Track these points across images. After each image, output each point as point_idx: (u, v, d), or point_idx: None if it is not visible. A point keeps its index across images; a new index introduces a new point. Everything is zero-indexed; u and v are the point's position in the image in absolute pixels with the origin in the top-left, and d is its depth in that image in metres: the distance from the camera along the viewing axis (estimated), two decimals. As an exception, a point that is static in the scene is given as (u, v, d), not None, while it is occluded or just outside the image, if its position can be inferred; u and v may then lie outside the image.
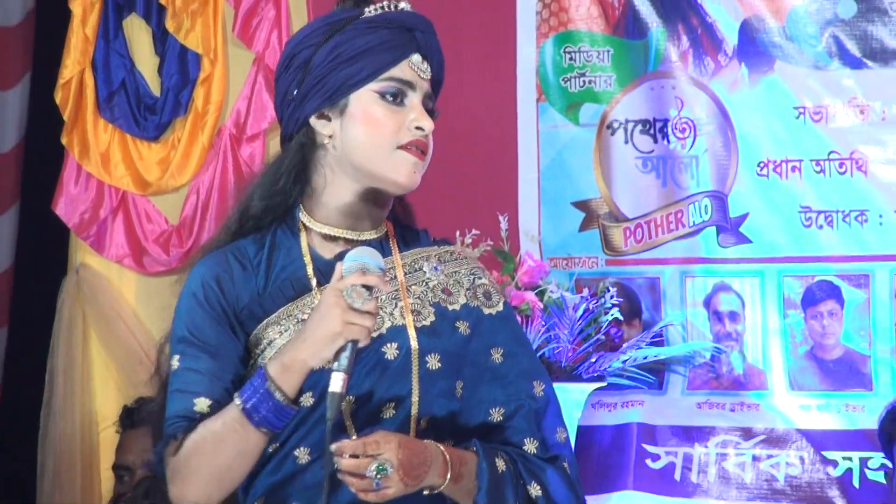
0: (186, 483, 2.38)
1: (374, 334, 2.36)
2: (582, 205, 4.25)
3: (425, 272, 2.48)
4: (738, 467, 4.08)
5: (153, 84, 4.64)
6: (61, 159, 4.69)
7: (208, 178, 4.53)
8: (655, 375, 4.12)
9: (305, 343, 2.28)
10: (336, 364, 2.27)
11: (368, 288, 2.28)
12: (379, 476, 2.26)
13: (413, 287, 2.46)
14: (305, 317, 2.39)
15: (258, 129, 4.48)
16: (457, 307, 2.47)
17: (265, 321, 2.38)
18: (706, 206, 4.13)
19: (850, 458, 4.00)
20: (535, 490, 2.42)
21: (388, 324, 2.40)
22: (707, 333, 4.15)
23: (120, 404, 4.35)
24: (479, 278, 2.52)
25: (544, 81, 4.24)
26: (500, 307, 2.51)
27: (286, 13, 4.42)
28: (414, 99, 2.43)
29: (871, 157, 3.99)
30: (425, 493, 2.33)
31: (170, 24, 4.55)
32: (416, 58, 2.44)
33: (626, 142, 4.21)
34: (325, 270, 2.40)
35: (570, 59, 4.24)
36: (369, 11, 2.45)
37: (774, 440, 4.06)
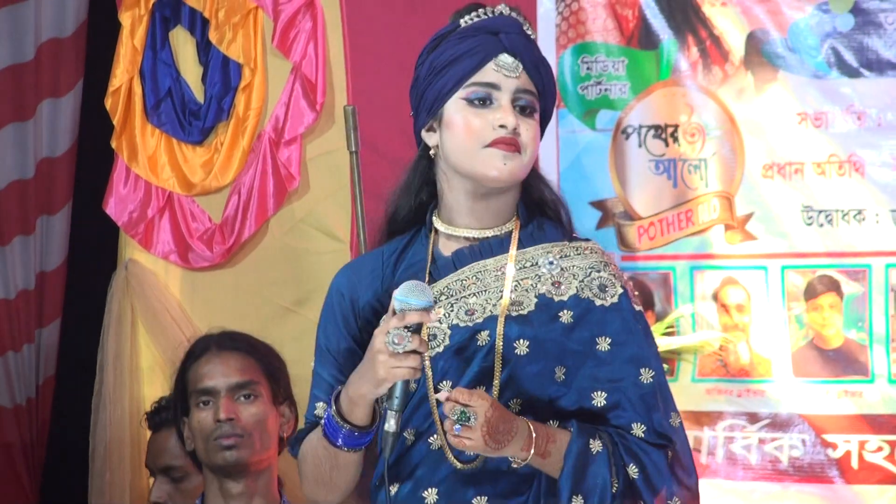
0: (303, 483, 2.56)
1: (471, 323, 2.48)
2: (598, 204, 4.34)
3: (539, 266, 2.53)
4: (744, 449, 4.17)
5: (197, 91, 4.69)
6: (111, 162, 4.75)
7: (249, 179, 4.58)
8: (667, 363, 4.17)
9: (363, 380, 2.40)
10: (388, 403, 2.37)
11: (414, 327, 2.36)
12: (459, 421, 2.34)
13: (522, 280, 2.52)
14: None
15: (295, 134, 4.51)
16: (564, 298, 2.49)
17: (384, 316, 2.45)
18: (714, 205, 4.22)
19: (849, 441, 4.07)
20: (633, 472, 2.43)
21: (486, 314, 2.49)
22: (715, 324, 4.22)
23: (166, 391, 4.32)
24: (598, 272, 2.52)
25: (563, 89, 4.31)
26: (615, 299, 2.50)
27: (322, 26, 4.46)
28: (502, 99, 2.50)
29: (868, 160, 4.08)
30: (514, 465, 2.41)
31: (213, 36, 4.62)
32: (504, 58, 2.51)
33: (640, 145, 4.29)
34: (441, 267, 2.54)
35: (588, 68, 4.33)
36: (465, 21, 2.55)
37: (778, 424, 4.14)
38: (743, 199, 4.19)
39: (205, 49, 4.68)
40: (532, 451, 2.40)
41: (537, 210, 2.59)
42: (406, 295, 2.38)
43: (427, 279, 2.54)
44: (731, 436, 4.19)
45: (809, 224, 4.13)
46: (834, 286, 4.12)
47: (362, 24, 4.46)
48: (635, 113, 4.30)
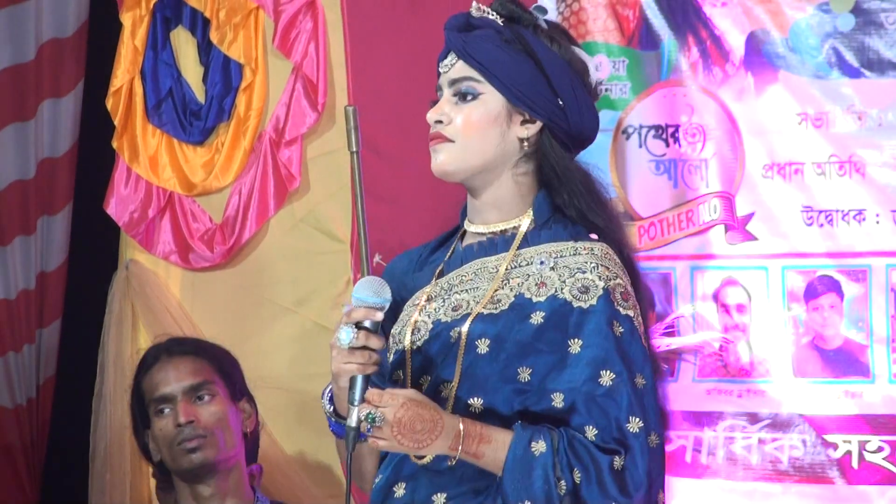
0: None
1: (450, 320, 2.50)
2: (599, 205, 4.38)
3: (531, 266, 2.51)
4: (744, 450, 4.16)
5: (198, 92, 4.71)
6: (112, 162, 4.77)
7: (249, 179, 4.60)
8: (668, 364, 4.16)
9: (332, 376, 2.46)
10: (349, 396, 2.39)
11: (371, 324, 2.38)
12: (367, 422, 2.36)
13: (512, 279, 2.51)
14: (418, 302, 2.56)
15: (296, 134, 4.53)
16: (541, 299, 2.47)
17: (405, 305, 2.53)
18: (715, 205, 4.21)
19: (849, 441, 4.07)
20: (576, 476, 2.39)
21: (467, 311, 2.50)
22: (716, 325, 4.21)
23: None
24: (584, 273, 2.48)
25: (564, 89, 4.34)
26: (594, 302, 2.45)
27: (323, 26, 4.49)
28: (442, 98, 2.55)
29: (869, 160, 4.07)
30: (449, 462, 2.42)
31: (214, 36, 4.64)
32: (445, 60, 2.56)
33: (640, 146, 4.29)
34: (453, 262, 2.57)
35: (588, 68, 4.36)
36: None
37: (779, 424, 4.13)
38: (743, 200, 4.19)
39: (206, 49, 4.70)
40: (459, 450, 2.39)
41: (562, 210, 2.57)
42: (360, 291, 2.40)
43: (438, 274, 2.57)
44: (732, 436, 4.18)
45: (810, 224, 4.13)
46: (834, 286, 4.12)
47: (363, 24, 4.47)
48: (636, 113, 4.30)
